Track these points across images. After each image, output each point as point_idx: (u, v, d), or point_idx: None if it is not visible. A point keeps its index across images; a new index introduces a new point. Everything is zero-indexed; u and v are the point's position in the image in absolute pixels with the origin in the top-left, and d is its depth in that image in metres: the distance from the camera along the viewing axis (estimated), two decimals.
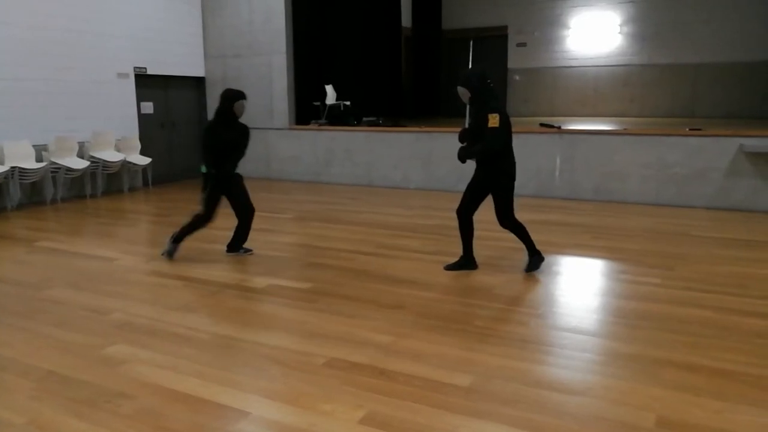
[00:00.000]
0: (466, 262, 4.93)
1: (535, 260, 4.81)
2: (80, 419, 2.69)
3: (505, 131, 4.46)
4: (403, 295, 4.34)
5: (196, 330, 3.71)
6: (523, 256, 4.98)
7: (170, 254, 5.30)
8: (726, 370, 3.12)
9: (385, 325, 3.77)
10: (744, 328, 3.67)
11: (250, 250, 5.46)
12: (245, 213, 5.33)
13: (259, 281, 4.69)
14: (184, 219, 5.33)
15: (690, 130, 7.81)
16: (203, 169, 5.02)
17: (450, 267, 4.94)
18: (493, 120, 4.35)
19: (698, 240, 5.98)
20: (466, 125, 4.76)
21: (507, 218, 4.67)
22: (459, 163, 4.75)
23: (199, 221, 5.19)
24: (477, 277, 4.76)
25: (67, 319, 3.93)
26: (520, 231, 4.74)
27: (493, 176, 4.59)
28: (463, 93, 4.53)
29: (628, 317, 3.92)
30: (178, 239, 5.29)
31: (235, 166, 5.13)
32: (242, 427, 2.63)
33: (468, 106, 4.70)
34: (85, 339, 3.60)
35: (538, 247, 4.80)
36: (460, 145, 4.68)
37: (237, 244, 5.44)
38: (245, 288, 4.54)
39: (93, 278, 4.85)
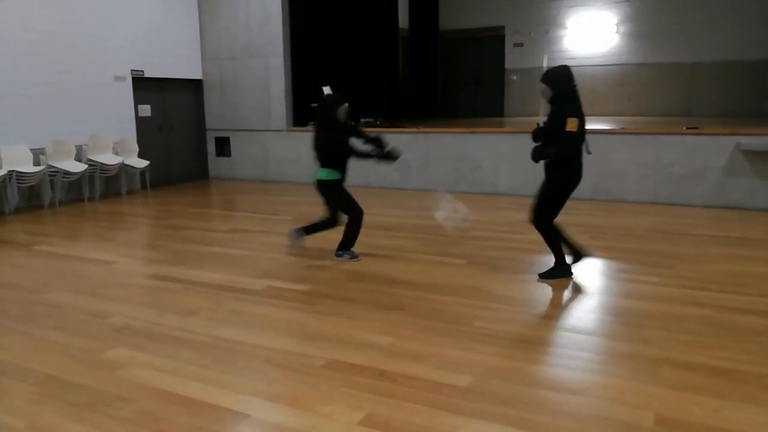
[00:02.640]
0: (562, 269, 4.66)
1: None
2: (80, 423, 2.69)
3: (580, 136, 4.31)
4: (401, 296, 4.34)
5: (195, 333, 3.72)
6: (525, 257, 4.99)
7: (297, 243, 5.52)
8: (725, 368, 3.12)
9: (384, 326, 3.77)
10: (742, 327, 3.68)
11: (300, 246, 5.57)
12: (334, 219, 5.38)
13: (258, 283, 4.69)
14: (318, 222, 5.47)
15: (687, 128, 7.82)
16: (325, 175, 5.13)
17: (544, 275, 4.67)
18: (572, 124, 4.20)
19: (696, 238, 5.99)
20: (541, 123, 4.58)
21: (543, 217, 4.51)
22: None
23: (356, 221, 5.29)
24: (475, 278, 4.76)
25: (66, 323, 3.93)
26: (551, 236, 4.56)
27: (561, 179, 4.45)
28: (545, 91, 4.35)
29: (626, 316, 3.92)
30: (306, 232, 5.46)
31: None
32: (242, 429, 2.64)
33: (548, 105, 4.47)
34: (84, 343, 3.60)
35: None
36: (532, 144, 4.50)
37: (310, 232, 5.52)
38: (244, 290, 4.54)
39: (92, 282, 4.85)
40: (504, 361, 3.25)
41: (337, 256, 5.32)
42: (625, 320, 3.86)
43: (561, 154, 4.34)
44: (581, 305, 4.19)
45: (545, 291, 4.48)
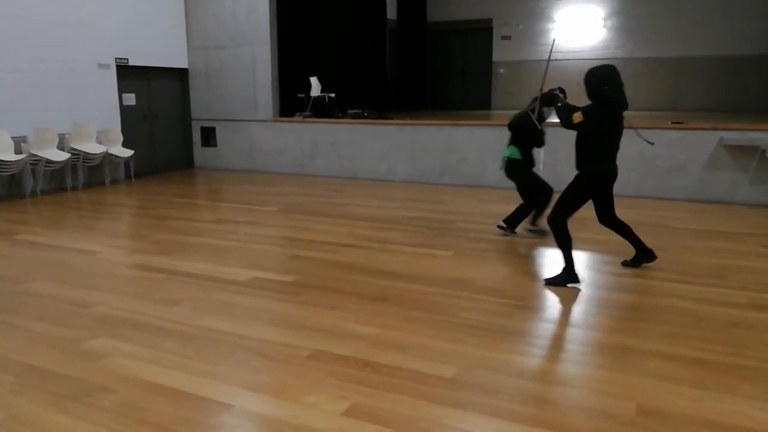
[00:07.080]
0: (569, 276, 4.39)
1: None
2: (61, 413, 2.67)
3: (591, 132, 4.32)
4: (387, 287, 4.34)
5: (180, 323, 3.70)
6: (510, 248, 4.99)
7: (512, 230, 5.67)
8: (705, 359, 3.17)
9: (369, 317, 3.78)
10: (722, 319, 3.73)
11: (546, 231, 5.49)
12: (546, 193, 5.56)
13: (243, 274, 4.67)
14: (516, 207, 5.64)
15: (672, 123, 7.89)
16: (514, 154, 5.47)
17: (550, 281, 4.41)
18: (577, 117, 4.25)
19: (678, 232, 6.05)
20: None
21: (557, 214, 4.46)
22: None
23: (543, 200, 5.55)
24: (461, 269, 4.78)
25: (49, 313, 3.89)
26: (561, 236, 4.43)
27: (581, 177, 4.46)
28: (585, 89, 4.35)
29: (609, 308, 3.96)
30: (513, 225, 5.60)
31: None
32: (225, 419, 2.63)
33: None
34: (66, 333, 3.56)
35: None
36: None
37: (536, 221, 5.71)
38: (229, 281, 4.52)
39: (75, 272, 4.80)
40: (489, 352, 3.27)
41: (501, 227, 5.63)
42: (607, 312, 3.90)
43: (561, 118, 4.47)
44: (565, 297, 4.23)
45: (529, 282, 4.51)
